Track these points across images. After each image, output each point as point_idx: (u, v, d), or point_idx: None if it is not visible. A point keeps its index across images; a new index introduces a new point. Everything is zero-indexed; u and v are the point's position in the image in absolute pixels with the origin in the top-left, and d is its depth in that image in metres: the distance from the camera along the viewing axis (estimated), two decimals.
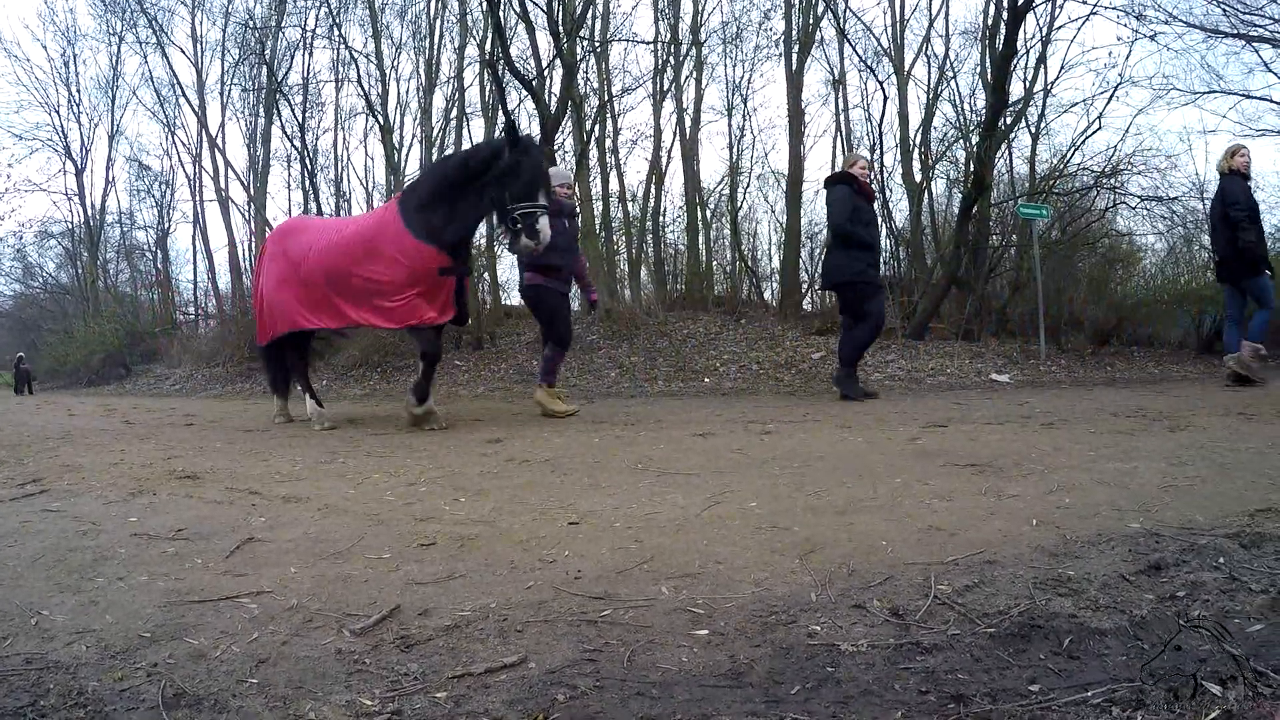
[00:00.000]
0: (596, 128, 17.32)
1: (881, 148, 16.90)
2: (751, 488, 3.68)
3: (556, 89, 14.81)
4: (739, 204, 18.68)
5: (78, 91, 27.73)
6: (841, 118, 18.28)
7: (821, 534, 2.84)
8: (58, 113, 27.64)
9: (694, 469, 4.22)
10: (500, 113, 15.58)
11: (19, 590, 2.38)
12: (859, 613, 2.07)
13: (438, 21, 19.78)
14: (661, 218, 19.08)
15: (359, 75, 19.34)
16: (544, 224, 5.92)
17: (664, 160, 18.92)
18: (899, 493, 3.45)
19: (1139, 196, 13.34)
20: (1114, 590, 2.13)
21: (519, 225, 5.90)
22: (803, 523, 3.00)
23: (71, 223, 28.80)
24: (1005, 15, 12.28)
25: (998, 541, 2.64)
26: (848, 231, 8.17)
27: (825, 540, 2.76)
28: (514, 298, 19.14)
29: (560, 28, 13.98)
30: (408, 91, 25.24)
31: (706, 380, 11.55)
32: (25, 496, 3.86)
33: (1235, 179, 8.33)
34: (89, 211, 27.87)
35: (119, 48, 25.74)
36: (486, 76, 17.32)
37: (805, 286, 17.42)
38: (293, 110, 20.76)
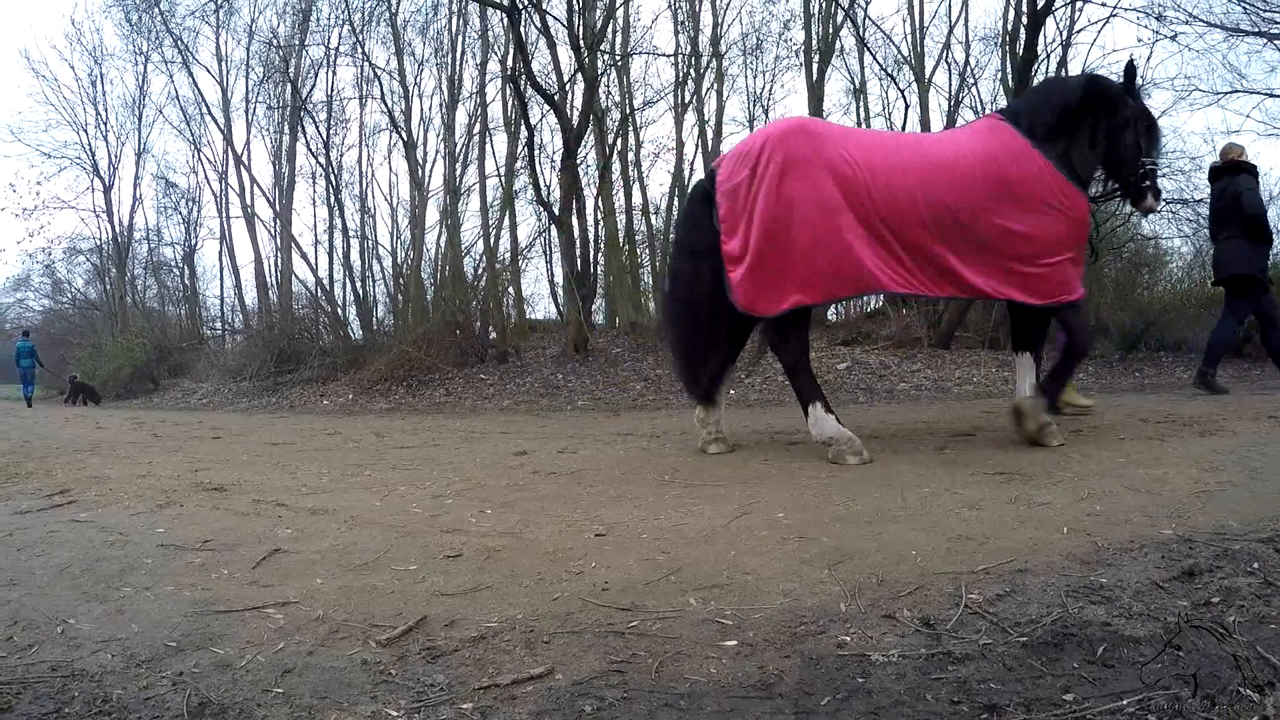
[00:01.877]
0: (619, 141, 17.36)
1: None
2: (779, 498, 3.65)
3: (579, 103, 14.83)
4: None
5: (105, 110, 28.02)
6: (863, 127, 18.23)
7: (850, 544, 2.81)
8: (85, 131, 27.99)
9: (721, 480, 4.20)
10: (523, 127, 15.65)
11: (46, 599, 2.40)
12: (889, 623, 2.05)
13: (459, 38, 19.93)
14: None
15: (382, 92, 19.49)
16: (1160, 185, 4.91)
17: (686, 172, 18.93)
18: (928, 502, 3.41)
19: (1164, 200, 13.19)
20: (1147, 597, 2.10)
21: (1147, 182, 4.74)
22: (831, 533, 2.98)
23: (99, 239, 29.12)
24: (1025, 20, 12.20)
25: (1028, 550, 2.61)
26: (1266, 224, 7.83)
27: (854, 550, 2.73)
28: (538, 311, 19.23)
29: (581, 42, 14.04)
30: (431, 107, 25.50)
31: (731, 392, 11.49)
32: (53, 507, 3.90)
33: None
34: (117, 228, 28.18)
35: (145, 67, 26.03)
36: (509, 91, 17.40)
37: None
38: (317, 127, 20.94)
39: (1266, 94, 13.91)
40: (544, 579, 2.56)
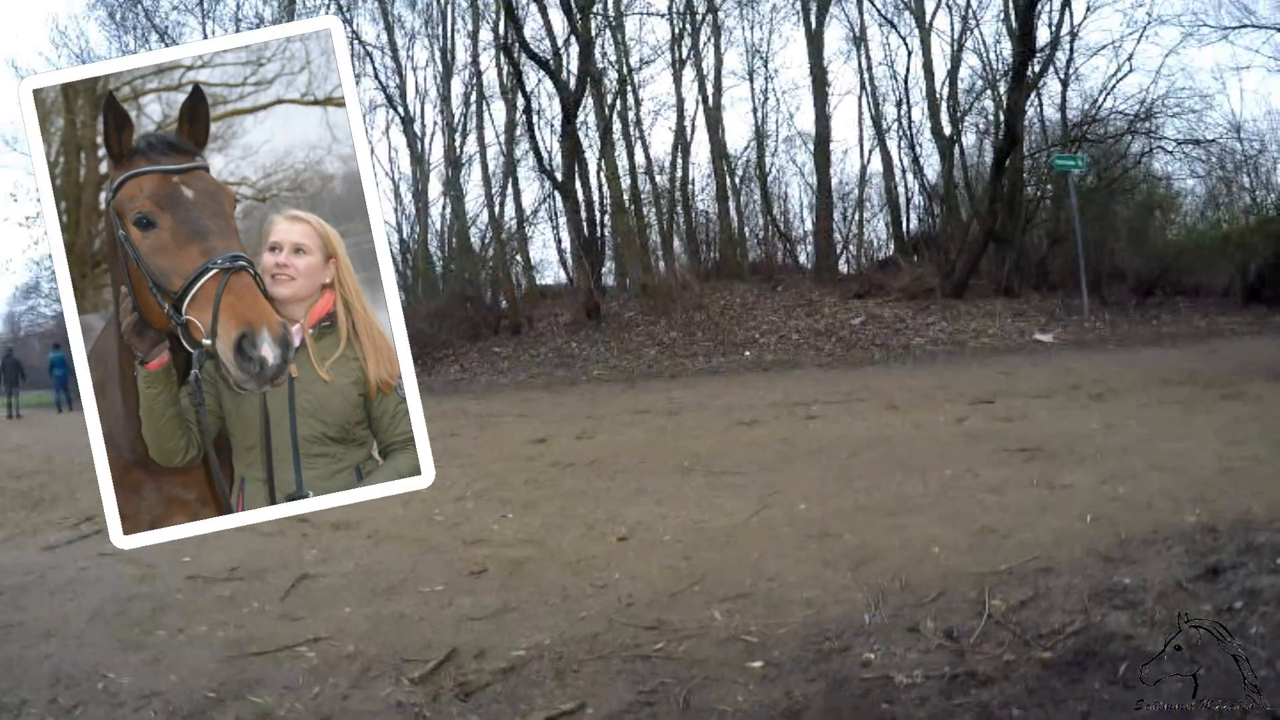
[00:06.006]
0: (618, 102, 17.14)
1: (908, 103, 16.59)
2: (800, 486, 3.66)
3: (574, 66, 14.67)
4: (767, 168, 18.45)
5: None
6: (865, 75, 17.93)
7: (873, 540, 2.83)
8: None
9: (741, 466, 4.21)
10: (519, 94, 15.50)
11: (84, 649, 2.42)
12: (912, 637, 2.06)
13: (449, 7, 19.63)
14: (690, 187, 18.90)
15: (374, 69, 19.29)
16: None
17: (688, 129, 18.70)
18: (949, 487, 3.42)
19: (1175, 140, 12.97)
20: (1171, 599, 2.10)
21: None
22: (853, 527, 2.99)
23: None
24: None
25: (1051, 544, 2.61)
26: None
27: (877, 547, 2.75)
28: (547, 277, 19.14)
29: (573, 4, 13.83)
30: (425, 80, 25.16)
31: (747, 353, 11.50)
32: (80, 539, 3.88)
33: None
34: None
35: None
36: (502, 59, 17.19)
37: (840, 248, 17.22)
38: None
39: (1275, 28, 13.59)
40: (569, 595, 2.59)
